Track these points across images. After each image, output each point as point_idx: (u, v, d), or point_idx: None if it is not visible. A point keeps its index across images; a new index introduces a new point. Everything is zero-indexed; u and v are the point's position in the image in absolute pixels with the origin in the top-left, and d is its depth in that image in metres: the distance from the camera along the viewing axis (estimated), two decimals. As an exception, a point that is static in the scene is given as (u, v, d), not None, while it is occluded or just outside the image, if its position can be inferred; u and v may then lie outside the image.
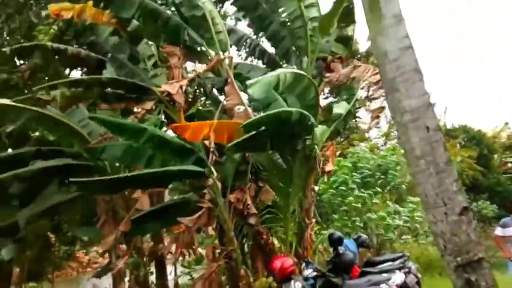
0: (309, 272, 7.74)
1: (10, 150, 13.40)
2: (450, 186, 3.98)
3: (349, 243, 8.83)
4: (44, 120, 7.95)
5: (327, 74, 9.54)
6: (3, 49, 9.28)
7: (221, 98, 10.81)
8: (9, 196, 8.03)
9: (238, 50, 10.45)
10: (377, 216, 12.43)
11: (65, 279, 16.81)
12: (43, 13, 9.70)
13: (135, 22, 8.59)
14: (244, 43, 10.38)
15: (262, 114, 7.76)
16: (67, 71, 11.00)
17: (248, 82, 6.88)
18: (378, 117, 9.75)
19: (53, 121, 7.97)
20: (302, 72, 7.96)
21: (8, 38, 10.90)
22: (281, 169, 8.78)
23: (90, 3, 8.81)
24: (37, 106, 7.76)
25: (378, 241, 12.12)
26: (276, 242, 9.22)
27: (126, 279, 9.73)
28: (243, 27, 11.07)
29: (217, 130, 7.61)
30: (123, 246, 8.69)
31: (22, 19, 11.00)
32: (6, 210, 7.95)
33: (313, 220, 9.13)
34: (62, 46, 9.04)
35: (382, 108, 9.73)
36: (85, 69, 9.95)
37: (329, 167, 9.07)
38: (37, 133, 10.79)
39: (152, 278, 10.61)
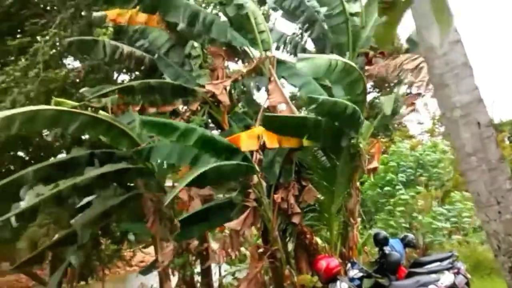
0: (355, 272, 7.67)
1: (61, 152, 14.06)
2: (503, 184, 3.84)
3: (395, 243, 8.70)
4: (97, 124, 8.19)
5: (367, 67, 9.42)
6: (69, 39, 9.58)
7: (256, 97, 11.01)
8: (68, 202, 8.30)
9: (278, 48, 10.46)
10: (424, 219, 12.15)
11: (113, 278, 17.27)
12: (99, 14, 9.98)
13: (182, 25, 8.74)
14: (285, 42, 10.40)
15: (322, 97, 7.64)
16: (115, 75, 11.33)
17: (299, 55, 6.88)
18: (413, 104, 9.44)
19: (106, 125, 8.20)
20: (353, 64, 7.85)
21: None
22: (325, 167, 8.72)
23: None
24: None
25: (425, 241, 11.83)
26: (319, 241, 9.19)
27: (172, 277, 9.89)
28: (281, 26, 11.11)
29: (266, 136, 7.61)
30: (169, 245, 8.82)
31: (82, 22, 11.43)
32: (65, 217, 8.19)
33: (358, 220, 9.01)
34: (119, 44, 9.31)
35: (418, 95, 9.41)
36: (135, 73, 10.16)
37: (374, 165, 8.94)
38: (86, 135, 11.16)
39: (198, 277, 10.74)
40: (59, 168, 8.06)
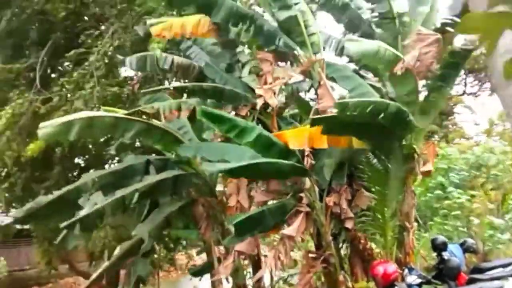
0: (413, 278, 7.43)
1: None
2: None
3: (454, 248, 8.38)
4: (152, 132, 8.35)
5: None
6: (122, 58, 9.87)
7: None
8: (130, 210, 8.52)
9: (324, 49, 10.32)
10: (482, 229, 11.68)
11: (165, 281, 17.57)
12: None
13: (232, 30, 8.78)
14: (331, 44, 10.26)
15: (355, 100, 7.50)
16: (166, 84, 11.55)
17: (348, 37, 6.78)
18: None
19: (160, 131, 8.35)
20: (401, 55, 7.63)
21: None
22: (377, 171, 8.51)
23: (188, 17, 9.16)
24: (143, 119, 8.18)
25: (485, 246, 11.35)
26: (374, 246, 8.99)
27: (224, 281, 9.94)
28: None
29: (315, 136, 7.51)
30: (229, 257, 8.84)
31: (134, 32, 11.77)
32: (129, 225, 8.41)
33: (415, 224, 8.74)
34: (169, 56, 9.48)
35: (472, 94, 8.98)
36: (185, 82, 10.35)
37: (428, 167, 8.65)
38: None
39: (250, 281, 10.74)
40: (118, 176, 8.28)
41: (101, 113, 8.23)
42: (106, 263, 9.63)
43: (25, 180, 14.38)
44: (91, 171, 10.68)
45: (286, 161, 7.66)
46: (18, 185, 14.32)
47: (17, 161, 13.86)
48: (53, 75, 14.20)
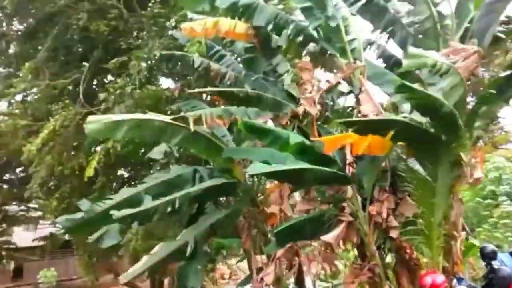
0: (462, 289, 7.23)
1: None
2: None
3: (504, 257, 8.11)
4: (198, 139, 8.43)
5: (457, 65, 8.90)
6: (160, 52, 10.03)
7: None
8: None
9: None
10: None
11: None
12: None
13: (272, 36, 8.80)
14: (369, 48, 10.13)
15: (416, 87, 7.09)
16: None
17: (408, 48, 6.62)
18: None
19: (205, 140, 8.42)
20: (453, 65, 7.41)
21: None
22: (423, 178, 8.28)
23: (223, 18, 9.21)
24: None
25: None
26: (420, 256, 8.76)
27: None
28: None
29: (357, 142, 7.38)
30: (271, 265, 8.82)
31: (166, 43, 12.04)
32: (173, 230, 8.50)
33: (462, 234, 8.47)
34: (205, 61, 9.55)
35: None
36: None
37: (478, 174, 8.35)
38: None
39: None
40: (168, 185, 8.45)
41: (150, 116, 8.26)
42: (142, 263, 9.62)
43: (72, 191, 14.82)
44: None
45: (328, 169, 7.57)
46: (66, 196, 14.77)
47: (61, 172, 14.35)
48: (96, 89, 14.63)
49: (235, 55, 10.74)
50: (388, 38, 9.70)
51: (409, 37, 9.33)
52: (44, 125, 13.69)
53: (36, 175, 14.89)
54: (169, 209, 7.92)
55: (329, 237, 7.82)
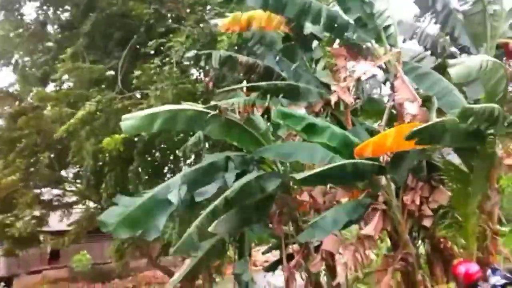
0: (497, 279, 7.09)
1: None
2: None
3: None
4: (231, 128, 8.51)
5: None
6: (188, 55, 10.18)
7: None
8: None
9: (404, 41, 10.02)
10: None
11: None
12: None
13: (305, 24, 8.75)
14: (414, 34, 9.93)
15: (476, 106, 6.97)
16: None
17: (451, 61, 6.50)
18: None
19: (239, 129, 8.49)
20: (499, 62, 7.21)
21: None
22: (458, 168, 8.15)
23: (256, 11, 9.23)
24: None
25: None
26: (453, 246, 8.65)
27: (298, 277, 9.95)
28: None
29: (397, 141, 7.22)
30: (317, 256, 8.85)
31: (201, 31, 12.15)
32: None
33: (497, 225, 8.31)
34: (233, 54, 9.62)
35: None
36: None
37: (509, 161, 8.15)
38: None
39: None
40: (201, 173, 8.50)
41: (183, 106, 8.38)
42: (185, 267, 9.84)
43: (115, 176, 15.17)
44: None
45: (365, 161, 7.48)
46: (109, 181, 15.12)
47: (96, 157, 14.69)
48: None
49: (268, 47, 10.70)
50: (435, 23, 9.50)
51: (457, 24, 9.13)
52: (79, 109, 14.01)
53: (81, 161, 15.23)
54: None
55: (368, 229, 7.80)
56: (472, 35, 9.06)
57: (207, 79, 10.82)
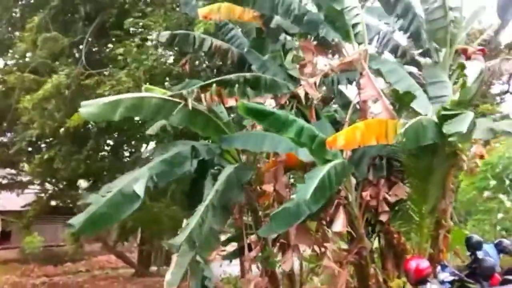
0: (445, 275, 7.37)
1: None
2: None
3: (489, 248, 8.25)
4: (197, 117, 8.41)
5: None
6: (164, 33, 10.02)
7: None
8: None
9: (370, 43, 10.20)
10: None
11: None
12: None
13: (275, 18, 8.78)
14: (376, 36, 10.13)
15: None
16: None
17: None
18: None
19: (204, 118, 8.42)
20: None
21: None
22: (418, 166, 8.36)
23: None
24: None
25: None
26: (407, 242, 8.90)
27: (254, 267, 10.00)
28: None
29: (365, 134, 7.30)
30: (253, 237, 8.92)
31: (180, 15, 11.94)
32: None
33: (451, 223, 8.62)
34: (207, 37, 9.54)
35: None
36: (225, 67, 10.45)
37: (473, 164, 8.46)
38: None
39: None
40: (168, 164, 8.21)
41: (148, 94, 8.20)
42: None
43: (65, 153, 14.67)
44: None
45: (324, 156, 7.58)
46: (58, 158, 14.60)
47: (55, 133, 14.19)
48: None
49: (245, 34, 10.70)
50: (400, 29, 9.72)
51: (420, 28, 9.36)
52: (45, 80, 13.46)
53: (25, 134, 14.65)
54: None
55: (337, 226, 7.87)
56: (434, 39, 9.33)
57: (183, 62, 10.73)
